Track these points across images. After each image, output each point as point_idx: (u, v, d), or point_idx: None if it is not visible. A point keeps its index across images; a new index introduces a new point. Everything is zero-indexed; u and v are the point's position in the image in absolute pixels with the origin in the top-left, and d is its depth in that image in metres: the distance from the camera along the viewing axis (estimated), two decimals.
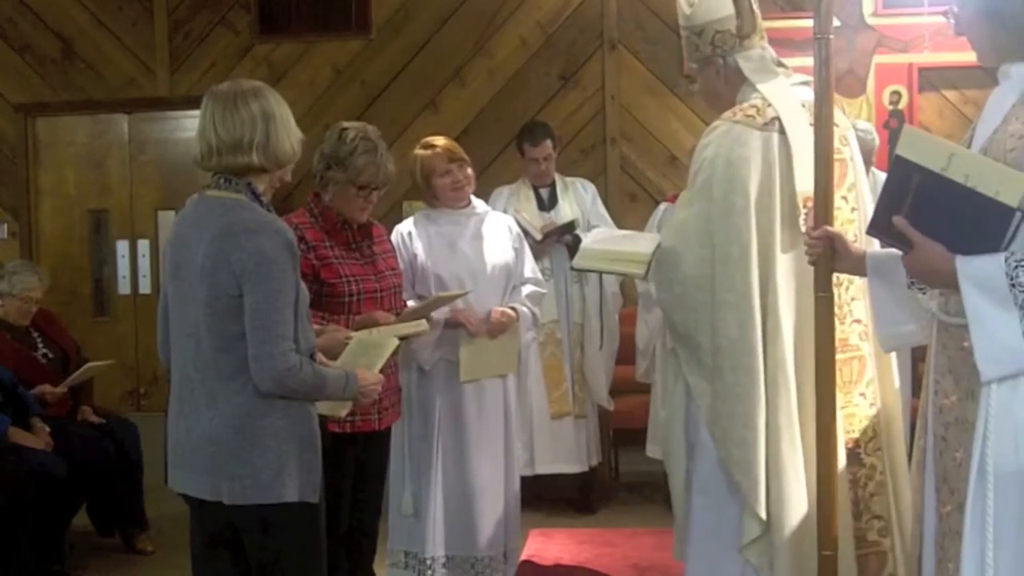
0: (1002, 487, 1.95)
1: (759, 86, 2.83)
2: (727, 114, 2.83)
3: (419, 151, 3.83)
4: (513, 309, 3.80)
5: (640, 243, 2.98)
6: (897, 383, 2.88)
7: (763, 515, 2.68)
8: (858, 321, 2.80)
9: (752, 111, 2.78)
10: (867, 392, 2.80)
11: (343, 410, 2.93)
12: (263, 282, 2.37)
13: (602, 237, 3.14)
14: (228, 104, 2.47)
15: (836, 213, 2.65)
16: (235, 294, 2.39)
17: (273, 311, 2.38)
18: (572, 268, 3.68)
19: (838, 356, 2.64)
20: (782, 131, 2.75)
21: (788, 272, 2.73)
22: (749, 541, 2.72)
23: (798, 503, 2.68)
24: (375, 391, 2.72)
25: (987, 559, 1.95)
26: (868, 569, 2.74)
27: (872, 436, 2.79)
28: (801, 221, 2.71)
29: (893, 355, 2.84)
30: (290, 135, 2.52)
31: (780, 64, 2.92)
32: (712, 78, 2.93)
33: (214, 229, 2.42)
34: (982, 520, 1.96)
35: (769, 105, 2.78)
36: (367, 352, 2.95)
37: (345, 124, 3.35)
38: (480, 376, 3.75)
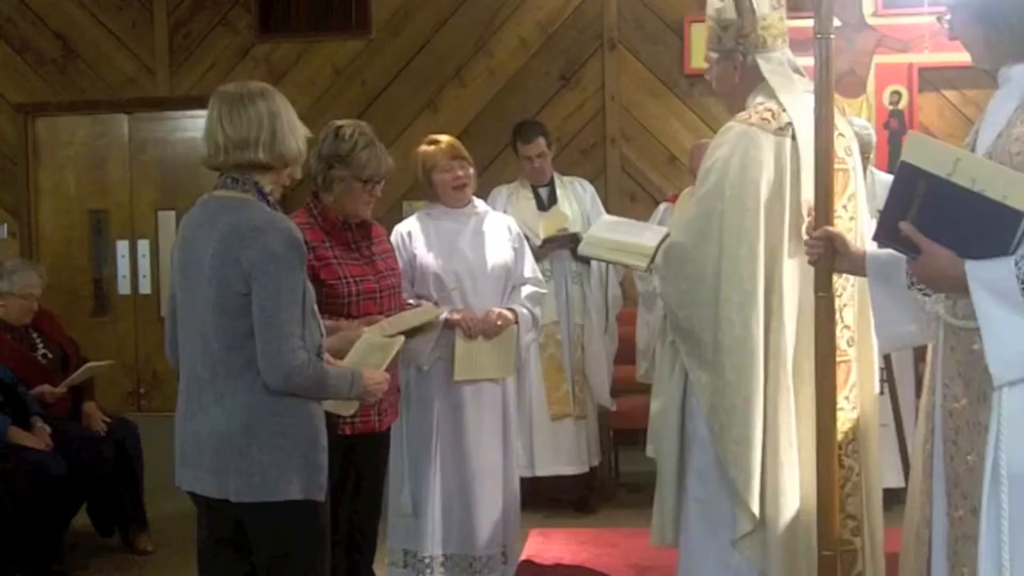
0: (1017, 489, 1.96)
1: (776, 92, 2.84)
2: (742, 115, 2.85)
3: (422, 147, 3.85)
4: (512, 311, 3.80)
5: (645, 235, 3.01)
6: (876, 389, 2.93)
7: (756, 511, 2.71)
8: (847, 327, 2.83)
9: (767, 115, 2.80)
10: (850, 396, 2.84)
11: (350, 408, 2.94)
12: (271, 280, 2.39)
13: (609, 225, 3.16)
14: (235, 103, 2.50)
15: (835, 222, 2.66)
16: (243, 292, 2.41)
17: (281, 309, 2.39)
18: (577, 254, 3.66)
19: None
20: (794, 137, 2.77)
21: (793, 276, 2.76)
22: (741, 536, 2.75)
23: (792, 501, 2.71)
24: (381, 390, 2.73)
25: (1003, 561, 1.96)
26: (840, 567, 2.77)
27: (852, 439, 2.83)
28: (803, 229, 2.73)
29: (874, 361, 2.89)
30: (295, 135, 2.55)
31: (798, 70, 2.94)
32: (728, 72, 2.94)
33: (222, 228, 2.44)
34: (997, 523, 1.97)
35: (784, 111, 2.80)
36: (374, 353, 2.97)
37: (338, 123, 3.34)
38: (474, 376, 3.74)
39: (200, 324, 2.48)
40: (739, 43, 2.89)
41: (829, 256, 2.50)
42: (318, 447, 2.52)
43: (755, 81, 2.90)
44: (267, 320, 2.39)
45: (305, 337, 2.45)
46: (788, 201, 2.76)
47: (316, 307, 2.78)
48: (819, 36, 2.53)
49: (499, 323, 3.74)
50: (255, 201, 2.49)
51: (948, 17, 2.20)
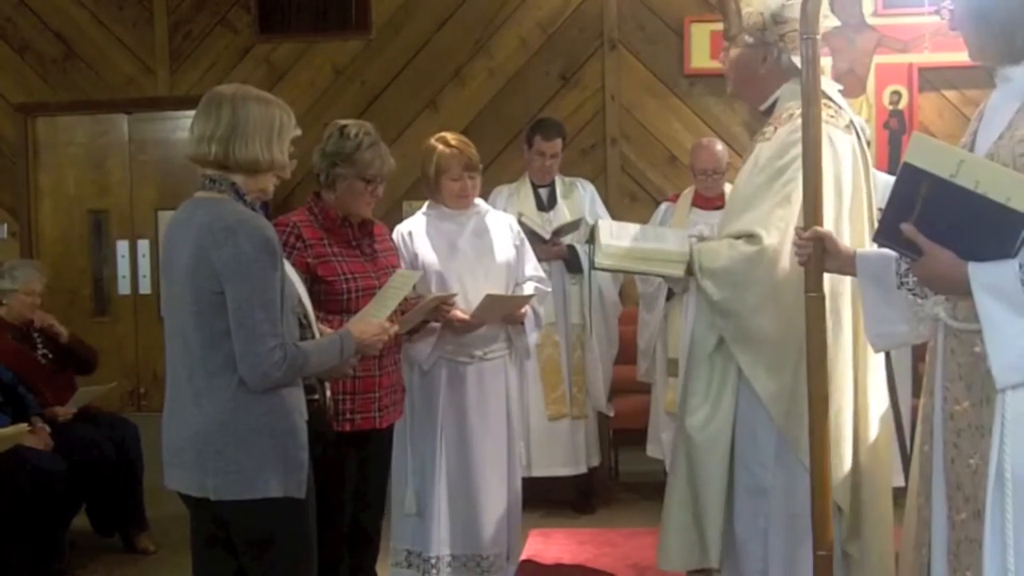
0: (1021, 493, 1.95)
1: (827, 92, 2.81)
2: None
3: (439, 146, 3.78)
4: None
5: (667, 241, 2.95)
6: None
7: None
8: None
9: (832, 110, 2.80)
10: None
11: (347, 368, 2.94)
12: (244, 280, 2.40)
13: (619, 232, 3.02)
14: (209, 101, 2.53)
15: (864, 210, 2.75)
16: (218, 291, 2.42)
17: (255, 309, 2.40)
18: (594, 268, 3.37)
19: None
20: (858, 136, 2.82)
21: None
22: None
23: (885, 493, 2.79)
24: (380, 340, 2.82)
25: (1009, 564, 1.95)
26: None
27: None
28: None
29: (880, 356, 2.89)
30: (267, 145, 2.51)
31: None
32: (755, 59, 2.93)
33: (196, 228, 2.46)
34: (1002, 526, 1.96)
35: (840, 108, 2.83)
36: (390, 294, 3.08)
37: (343, 122, 3.36)
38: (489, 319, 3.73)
39: (180, 324, 2.49)
40: (782, 40, 2.88)
41: (820, 256, 2.49)
42: (297, 444, 2.52)
43: (779, 80, 2.91)
44: (240, 322, 2.40)
45: (283, 335, 2.45)
46: (865, 195, 2.78)
47: (308, 305, 2.78)
48: (805, 37, 2.53)
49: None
50: (230, 200, 2.50)
51: (950, 5, 2.19)
